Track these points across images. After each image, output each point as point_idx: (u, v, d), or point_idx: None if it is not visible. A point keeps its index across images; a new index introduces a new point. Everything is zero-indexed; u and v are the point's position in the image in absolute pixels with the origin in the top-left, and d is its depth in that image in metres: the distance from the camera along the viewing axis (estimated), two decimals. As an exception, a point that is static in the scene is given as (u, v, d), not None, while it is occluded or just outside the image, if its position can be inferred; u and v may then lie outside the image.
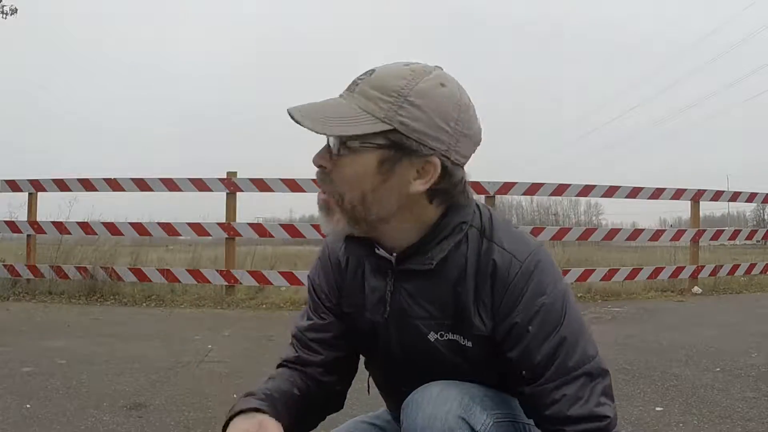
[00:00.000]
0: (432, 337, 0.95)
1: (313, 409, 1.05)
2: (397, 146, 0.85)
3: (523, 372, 0.91)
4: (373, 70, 0.88)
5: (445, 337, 0.94)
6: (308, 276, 1.11)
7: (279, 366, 1.08)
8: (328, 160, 0.89)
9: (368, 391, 1.17)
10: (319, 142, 0.89)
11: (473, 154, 0.92)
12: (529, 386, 0.90)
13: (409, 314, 0.96)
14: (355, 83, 0.88)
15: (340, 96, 0.89)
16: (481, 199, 6.51)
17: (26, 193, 6.44)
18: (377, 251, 0.96)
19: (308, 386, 1.03)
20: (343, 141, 0.86)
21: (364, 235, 0.94)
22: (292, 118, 0.85)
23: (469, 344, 0.94)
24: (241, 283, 6.07)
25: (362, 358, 1.14)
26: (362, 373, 1.16)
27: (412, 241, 0.93)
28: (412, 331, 0.96)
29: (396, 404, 1.04)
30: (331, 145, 0.88)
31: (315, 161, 0.89)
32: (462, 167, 0.91)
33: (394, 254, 0.95)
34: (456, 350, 0.95)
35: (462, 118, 0.87)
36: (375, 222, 0.91)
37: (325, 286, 1.06)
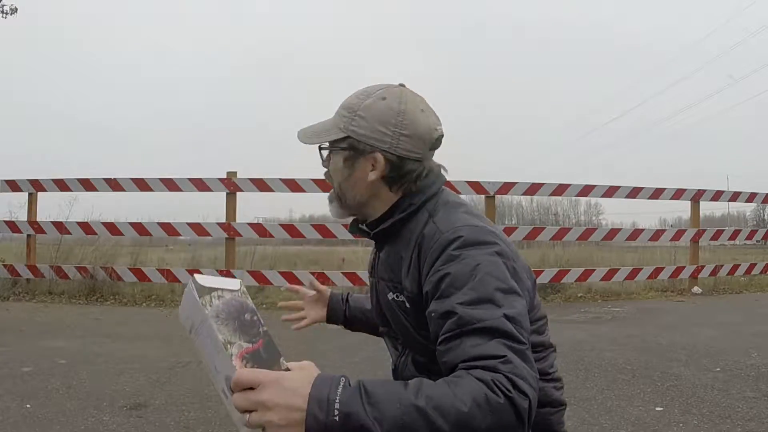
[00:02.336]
0: (390, 296, 1.15)
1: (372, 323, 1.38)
2: (353, 148, 1.13)
3: (432, 329, 0.97)
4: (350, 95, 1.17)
5: (398, 299, 1.13)
6: None
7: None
8: (325, 163, 1.21)
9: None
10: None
11: (437, 149, 1.16)
12: (436, 343, 0.94)
13: (380, 276, 1.20)
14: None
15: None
16: (481, 199, 6.53)
17: (26, 193, 6.45)
18: (360, 226, 1.23)
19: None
20: (323, 148, 1.18)
21: (356, 216, 1.24)
22: (298, 137, 1.18)
23: (408, 305, 1.11)
24: (241, 283, 6.06)
25: None
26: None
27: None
28: (382, 291, 1.19)
29: (393, 356, 1.28)
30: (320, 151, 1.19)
31: (322, 165, 1.21)
32: (417, 161, 1.12)
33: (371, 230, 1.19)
34: (402, 310, 1.12)
35: (399, 122, 1.10)
36: (355, 206, 1.19)
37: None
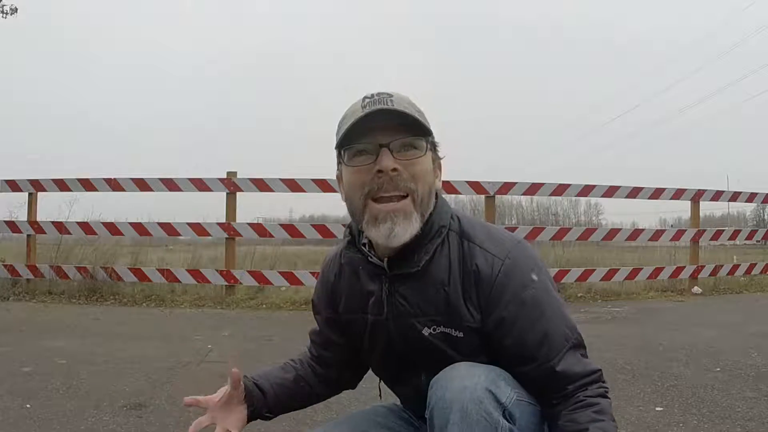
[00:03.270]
0: (426, 332, 1.06)
1: (308, 390, 1.28)
2: (434, 150, 1.07)
3: (520, 354, 1.03)
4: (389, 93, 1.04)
5: (438, 331, 1.06)
6: (312, 300, 1.29)
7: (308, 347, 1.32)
8: (405, 156, 1.02)
9: (380, 396, 1.29)
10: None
11: None
12: (528, 366, 1.02)
13: (405, 314, 1.07)
14: (382, 99, 1.02)
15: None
16: (481, 199, 6.52)
17: (26, 193, 6.44)
18: (370, 259, 1.08)
19: (313, 372, 1.28)
20: (422, 136, 1.03)
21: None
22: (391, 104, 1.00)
23: (461, 335, 1.05)
24: (241, 283, 6.07)
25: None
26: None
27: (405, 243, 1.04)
28: (409, 329, 1.07)
29: (405, 396, 1.22)
30: (417, 146, 1.03)
31: (389, 165, 0.99)
32: None
33: (385, 260, 1.07)
34: (448, 341, 1.06)
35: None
36: (426, 220, 1.06)
37: (321, 303, 1.25)
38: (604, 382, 1.05)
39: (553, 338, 1.02)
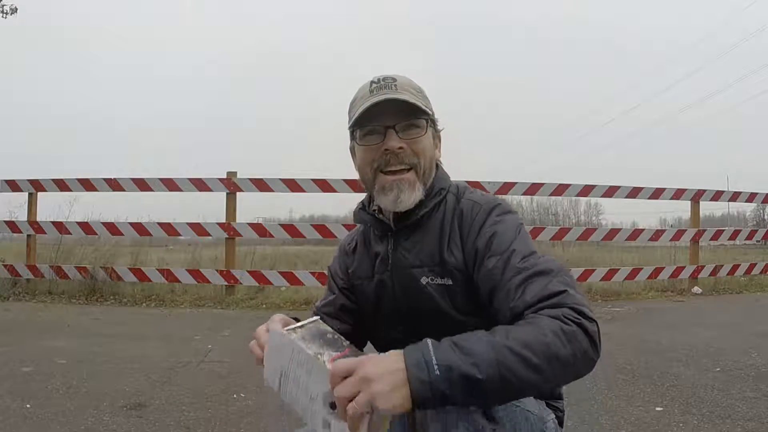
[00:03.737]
0: (424, 281, 1.15)
1: None
2: (434, 125, 1.20)
3: (488, 284, 1.05)
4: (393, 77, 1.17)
5: (435, 281, 1.14)
6: (328, 267, 1.39)
7: None
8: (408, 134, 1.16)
9: None
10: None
11: None
12: (496, 298, 1.03)
13: (405, 265, 1.18)
14: (387, 84, 1.16)
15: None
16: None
17: (26, 193, 6.45)
18: (377, 216, 1.22)
19: None
20: (424, 116, 1.16)
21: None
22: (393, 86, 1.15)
23: (450, 282, 1.13)
24: (241, 283, 6.08)
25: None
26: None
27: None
28: (409, 279, 1.17)
29: None
30: (419, 125, 1.16)
31: (395, 145, 1.14)
32: None
33: (391, 215, 1.20)
34: (443, 292, 1.13)
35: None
36: (429, 188, 1.19)
37: (339, 270, 1.34)
38: (567, 306, 0.92)
39: (518, 263, 1.03)
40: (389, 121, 1.14)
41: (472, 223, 1.13)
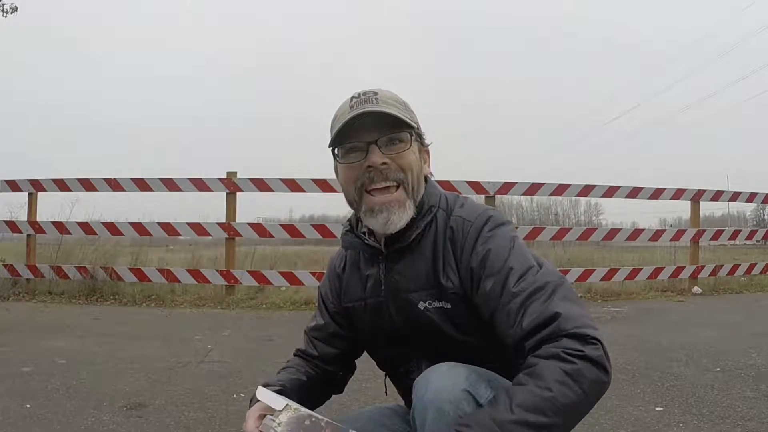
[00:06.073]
0: (422, 306, 1.11)
1: (318, 390, 1.27)
2: (420, 138, 1.15)
3: (488, 308, 1.03)
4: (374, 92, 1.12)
5: (433, 305, 1.10)
6: (318, 288, 1.35)
7: (294, 354, 1.32)
8: (392, 150, 1.11)
9: (386, 392, 1.31)
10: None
11: None
12: (497, 322, 1.01)
13: (401, 289, 1.13)
14: (368, 98, 1.10)
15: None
16: (481, 199, 6.52)
17: (26, 193, 6.45)
18: (366, 241, 1.17)
19: (315, 372, 1.27)
20: (407, 129, 1.11)
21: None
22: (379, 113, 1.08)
23: (449, 305, 1.09)
24: (241, 283, 6.08)
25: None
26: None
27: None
28: (406, 304, 1.13)
29: (405, 392, 1.22)
30: (402, 139, 1.11)
31: (378, 161, 1.08)
32: None
33: (382, 240, 1.15)
34: (442, 316, 1.10)
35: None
36: (418, 204, 1.14)
37: (330, 293, 1.29)
38: (565, 335, 0.91)
39: (516, 284, 1.01)
40: (371, 136, 1.08)
41: (464, 242, 1.09)
